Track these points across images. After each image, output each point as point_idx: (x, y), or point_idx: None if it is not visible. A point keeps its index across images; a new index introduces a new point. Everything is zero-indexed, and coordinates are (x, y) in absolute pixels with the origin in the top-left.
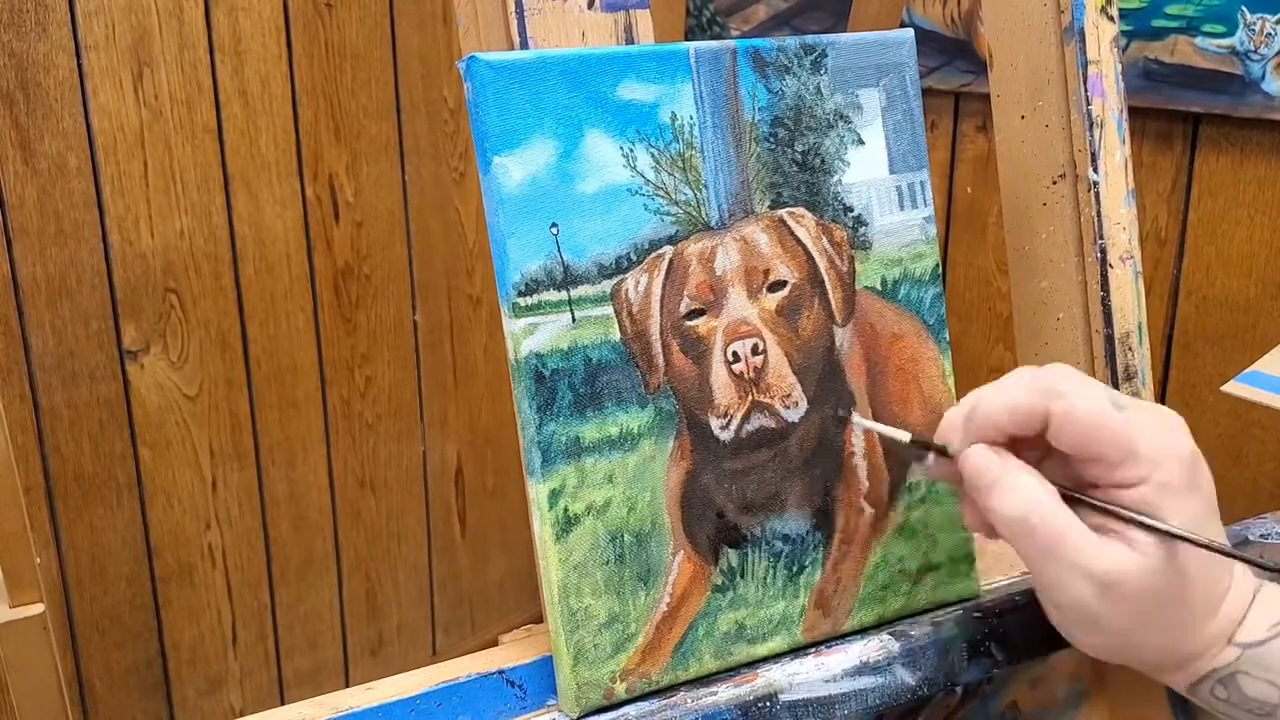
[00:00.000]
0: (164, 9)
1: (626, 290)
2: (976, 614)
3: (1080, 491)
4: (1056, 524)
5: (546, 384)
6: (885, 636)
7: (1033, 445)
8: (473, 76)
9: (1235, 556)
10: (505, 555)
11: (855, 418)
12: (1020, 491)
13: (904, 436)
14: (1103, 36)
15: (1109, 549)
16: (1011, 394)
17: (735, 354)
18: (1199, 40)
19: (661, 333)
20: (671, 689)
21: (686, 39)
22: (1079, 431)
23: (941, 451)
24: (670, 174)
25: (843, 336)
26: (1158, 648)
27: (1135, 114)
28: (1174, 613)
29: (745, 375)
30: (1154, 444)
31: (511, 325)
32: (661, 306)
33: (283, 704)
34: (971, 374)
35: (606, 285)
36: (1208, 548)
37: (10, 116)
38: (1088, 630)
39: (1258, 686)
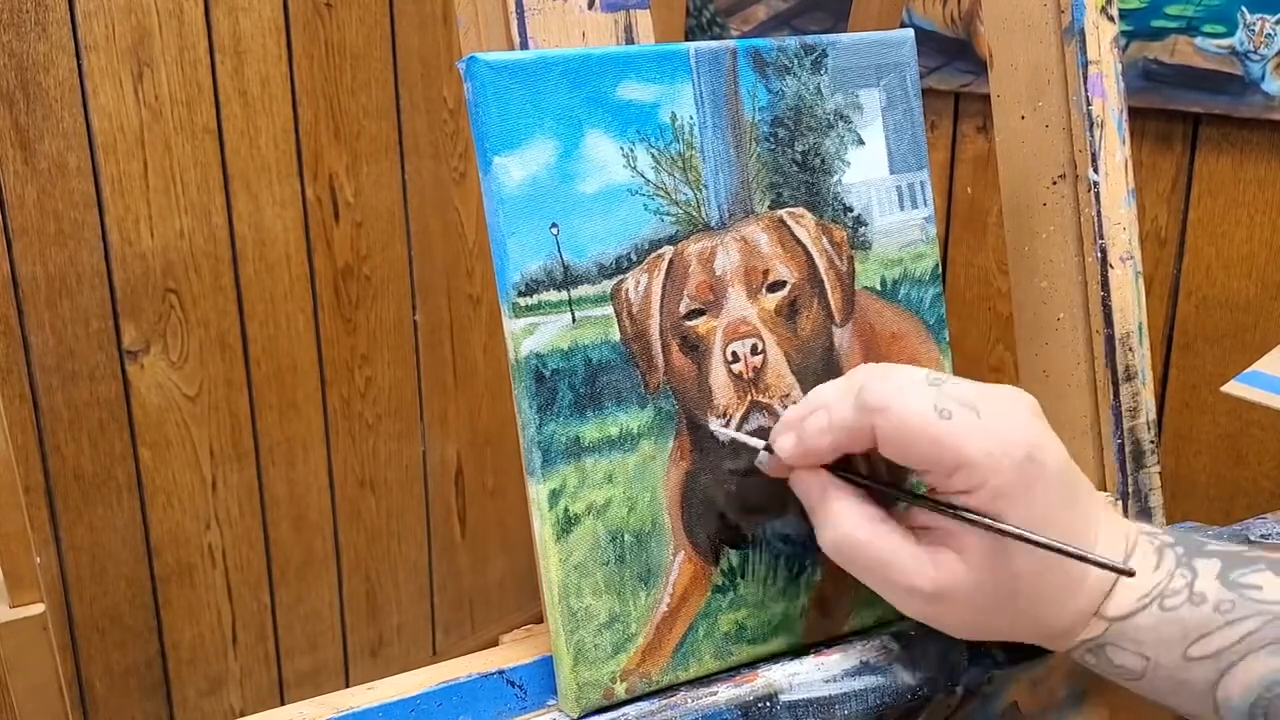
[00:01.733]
0: (164, 9)
1: (626, 290)
2: None
3: (916, 495)
4: (874, 552)
5: (546, 384)
6: (885, 637)
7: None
8: (473, 76)
9: (1064, 552)
10: (505, 555)
11: (714, 426)
12: (838, 521)
13: (758, 444)
14: (1103, 36)
15: (935, 562)
16: (839, 414)
17: (734, 354)
18: (1199, 40)
19: (661, 333)
20: (672, 689)
21: (686, 39)
22: (904, 445)
23: (770, 450)
24: (670, 174)
25: (842, 336)
26: (1020, 628)
27: (1135, 114)
28: (1020, 604)
29: (744, 375)
30: (983, 449)
31: (511, 325)
32: (661, 306)
33: (283, 704)
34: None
35: (606, 285)
36: (1038, 544)
37: (10, 116)
38: (943, 623)
39: (1124, 656)
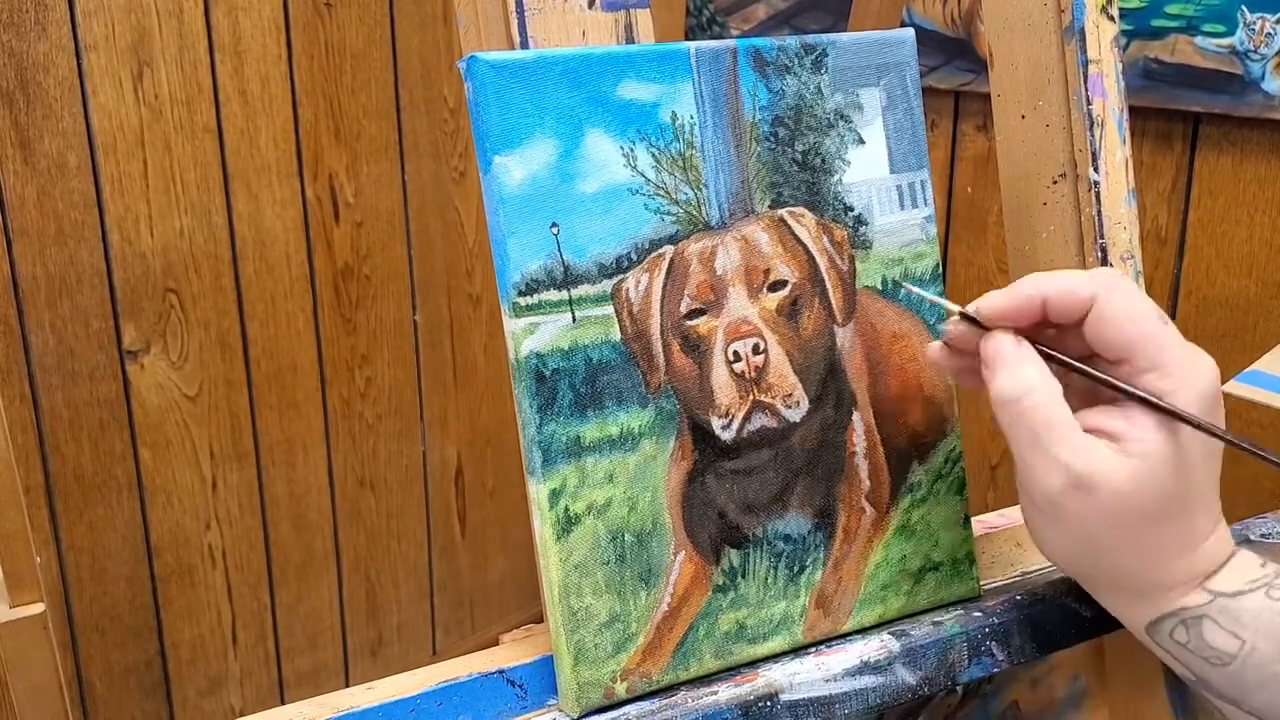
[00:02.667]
0: (164, 9)
1: (627, 290)
2: (977, 614)
3: (1105, 378)
4: (1046, 412)
5: (547, 384)
6: (886, 636)
7: (1065, 341)
8: (473, 76)
9: (1244, 448)
10: (505, 555)
11: (907, 284)
12: (1022, 374)
13: (953, 307)
14: (1103, 36)
15: (1095, 448)
16: (1064, 273)
17: (736, 353)
18: (1199, 40)
19: (662, 332)
20: (672, 689)
21: (687, 39)
22: (1120, 327)
23: (972, 320)
24: (671, 173)
25: (843, 336)
26: (1124, 566)
27: (1135, 114)
28: (1153, 534)
29: (746, 375)
30: (1184, 366)
31: (512, 325)
32: (662, 306)
33: (283, 704)
34: None
35: (607, 285)
36: (1221, 437)
37: (10, 116)
38: (1054, 528)
39: (1221, 636)
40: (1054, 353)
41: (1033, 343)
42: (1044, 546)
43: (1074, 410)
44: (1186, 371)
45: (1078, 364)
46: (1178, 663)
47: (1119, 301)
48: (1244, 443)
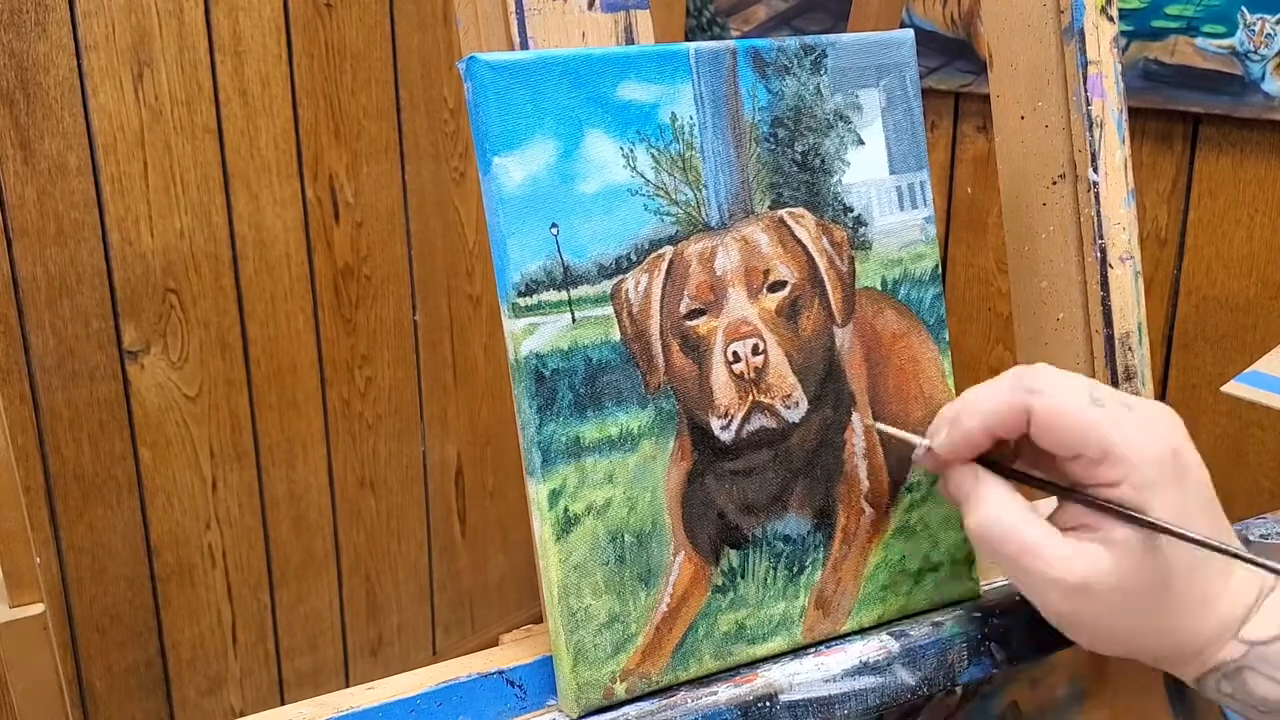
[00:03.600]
0: (164, 9)
1: (627, 290)
2: (976, 614)
3: (1066, 487)
4: (1022, 536)
5: (547, 384)
6: (885, 636)
7: (1029, 443)
8: (473, 76)
9: (1215, 549)
10: (505, 555)
11: (877, 425)
12: (988, 508)
13: (918, 440)
14: (1102, 37)
15: (1080, 554)
16: (995, 393)
17: (735, 354)
18: (1199, 41)
19: (662, 333)
20: (671, 689)
21: (686, 39)
22: (1056, 429)
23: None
24: (670, 174)
25: (843, 336)
26: (1153, 642)
27: (1135, 114)
28: (1162, 607)
29: (746, 375)
30: (1131, 443)
31: (511, 325)
32: (662, 307)
33: (283, 704)
34: (971, 374)
35: (606, 285)
36: (1187, 539)
37: (10, 116)
38: (1075, 630)
39: (1265, 685)
40: (1015, 470)
41: (997, 460)
42: (1081, 644)
43: (1057, 509)
44: (1136, 448)
45: (1036, 476)
46: (1238, 713)
47: (1049, 402)
48: (1205, 540)
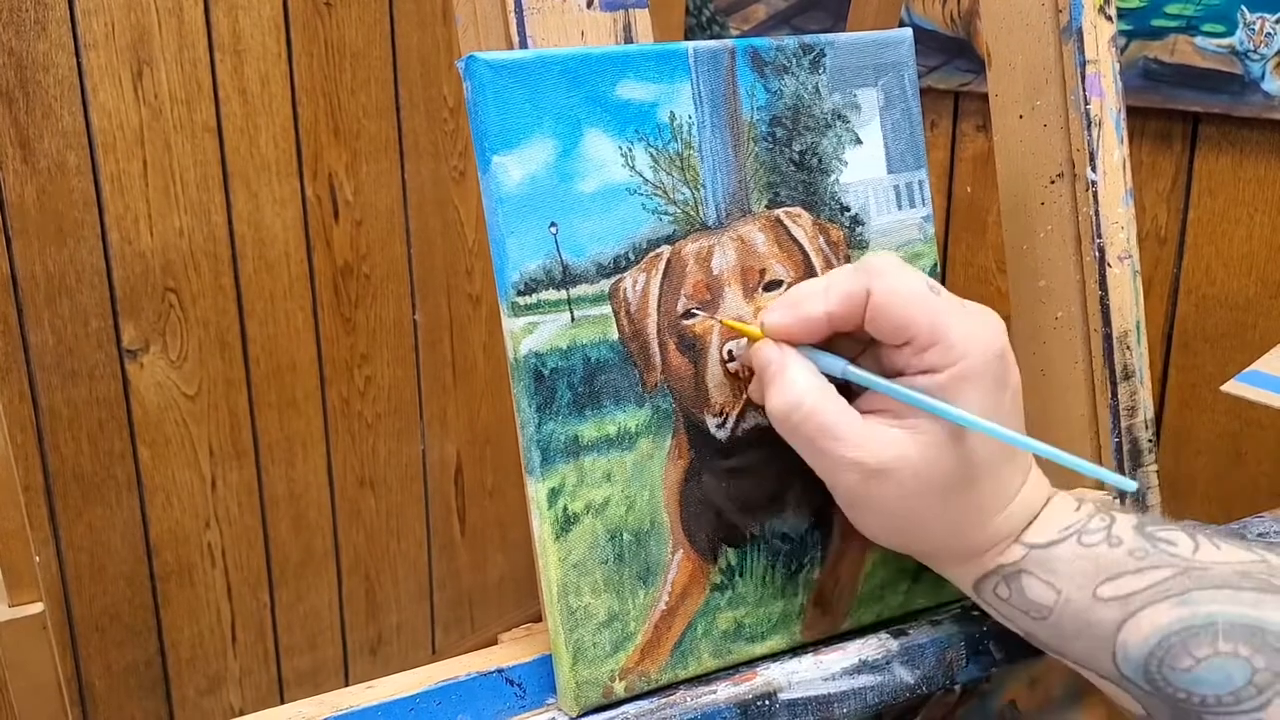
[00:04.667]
0: (163, 7)
1: (624, 290)
2: (975, 612)
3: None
4: (823, 418)
5: (545, 383)
6: (884, 635)
7: (851, 339)
8: (472, 76)
9: (1025, 446)
10: (505, 554)
11: (717, 317)
12: (791, 386)
13: (753, 329)
14: (1101, 36)
15: (881, 437)
16: (837, 280)
17: (730, 353)
18: (1199, 40)
19: (659, 332)
20: (670, 687)
21: (686, 38)
22: (893, 311)
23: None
24: (668, 173)
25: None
26: (940, 536)
27: (1135, 113)
28: (957, 501)
29: (741, 374)
30: (964, 333)
31: (511, 324)
32: (659, 306)
33: (282, 703)
34: None
35: (605, 284)
36: (995, 433)
37: (10, 115)
38: (864, 513)
39: (1038, 588)
40: (821, 351)
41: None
42: (863, 531)
43: (854, 396)
44: (968, 338)
45: (849, 367)
46: (1005, 619)
47: (890, 285)
48: (1014, 436)
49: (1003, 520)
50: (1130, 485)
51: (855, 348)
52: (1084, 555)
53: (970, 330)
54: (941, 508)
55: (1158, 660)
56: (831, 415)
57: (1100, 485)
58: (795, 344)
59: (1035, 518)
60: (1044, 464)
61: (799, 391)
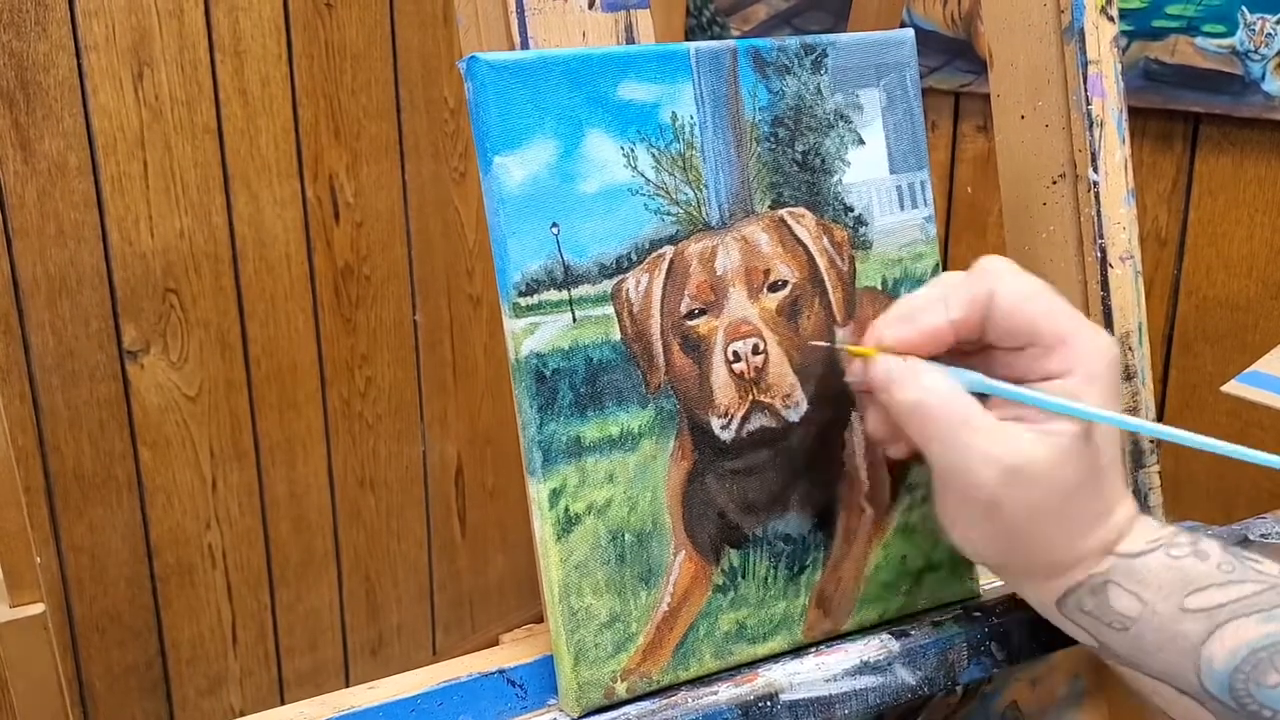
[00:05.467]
0: (164, 9)
1: (627, 290)
2: (977, 613)
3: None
4: (956, 408)
5: (547, 384)
6: (886, 636)
7: (964, 351)
8: (473, 76)
9: (1193, 443)
10: (505, 555)
11: (818, 344)
12: (920, 379)
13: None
14: (1102, 36)
15: (1016, 433)
16: (956, 290)
17: (735, 353)
18: (1199, 40)
19: (662, 332)
20: (672, 688)
21: (687, 39)
22: (1020, 313)
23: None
24: (671, 174)
25: (843, 336)
26: (1045, 547)
27: (1135, 114)
28: (1078, 504)
29: (746, 375)
30: (1085, 336)
31: (512, 325)
32: (662, 306)
33: (283, 704)
34: None
35: (607, 285)
36: (1145, 431)
37: (10, 116)
38: (983, 519)
39: (1125, 599)
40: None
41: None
42: (962, 539)
43: (989, 402)
44: (1091, 341)
45: (983, 378)
46: (1084, 633)
47: (1014, 287)
48: (1158, 430)
49: (1103, 531)
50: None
51: (965, 361)
52: (1171, 566)
53: (1090, 333)
54: (1057, 513)
55: (1244, 676)
56: (969, 407)
57: None
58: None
59: (1125, 533)
60: None
61: (933, 383)
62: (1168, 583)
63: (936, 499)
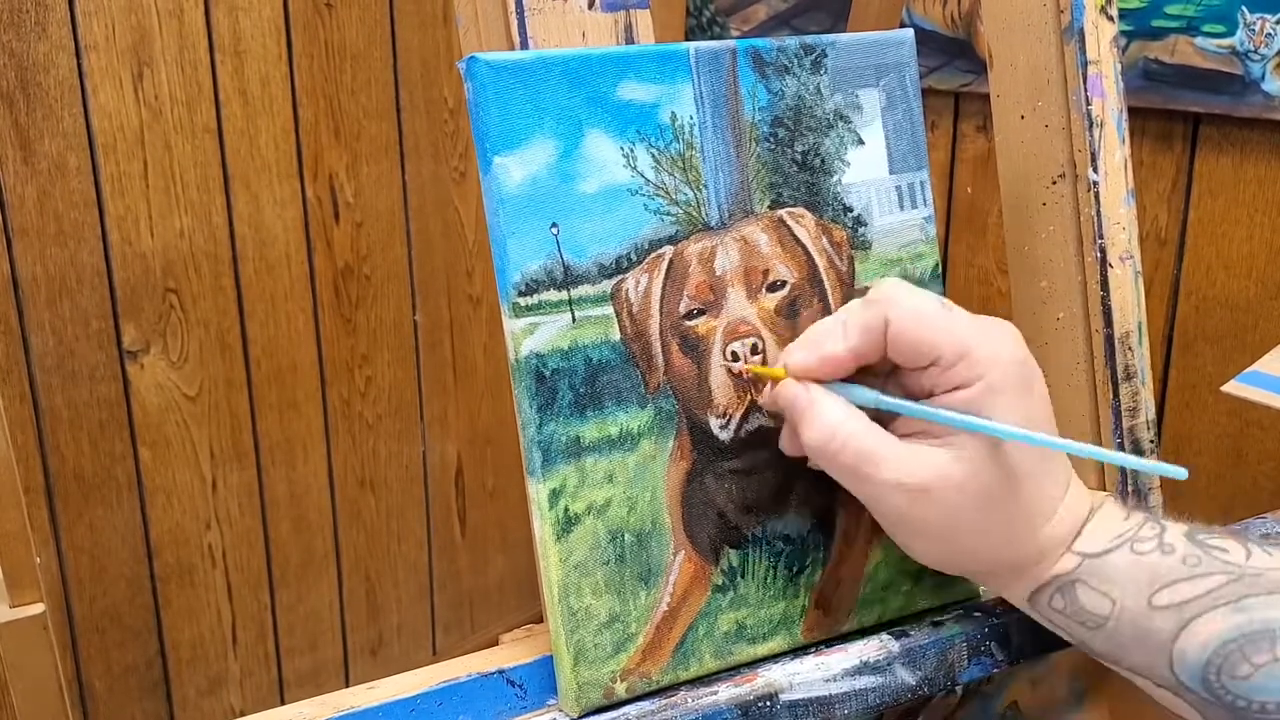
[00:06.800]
0: (164, 9)
1: (626, 290)
2: (976, 613)
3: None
4: (861, 442)
5: (547, 384)
6: (885, 636)
7: (873, 371)
8: (473, 76)
9: (1065, 447)
10: (505, 555)
11: (730, 366)
12: (824, 418)
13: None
14: (1102, 36)
15: (920, 457)
16: (853, 317)
17: (734, 354)
18: (1199, 40)
19: (661, 332)
20: (672, 689)
21: (686, 39)
22: (913, 334)
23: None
24: (670, 174)
25: None
26: (991, 551)
27: (1135, 114)
28: (1003, 512)
29: (744, 375)
30: (985, 346)
31: (512, 325)
32: (661, 306)
33: (283, 704)
34: None
35: (607, 285)
36: (1036, 441)
37: (10, 116)
38: (915, 537)
39: (1094, 598)
40: (850, 384)
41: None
42: (914, 555)
43: (889, 424)
44: (991, 350)
45: (881, 397)
46: (1062, 631)
47: (905, 310)
48: (1054, 440)
49: (1052, 529)
50: (1182, 473)
51: (877, 379)
52: (1138, 563)
53: (991, 342)
54: (988, 522)
55: (1215, 668)
56: (870, 441)
57: (1103, 486)
58: (821, 382)
59: (1084, 525)
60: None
61: (833, 422)
62: (1135, 580)
63: (884, 529)
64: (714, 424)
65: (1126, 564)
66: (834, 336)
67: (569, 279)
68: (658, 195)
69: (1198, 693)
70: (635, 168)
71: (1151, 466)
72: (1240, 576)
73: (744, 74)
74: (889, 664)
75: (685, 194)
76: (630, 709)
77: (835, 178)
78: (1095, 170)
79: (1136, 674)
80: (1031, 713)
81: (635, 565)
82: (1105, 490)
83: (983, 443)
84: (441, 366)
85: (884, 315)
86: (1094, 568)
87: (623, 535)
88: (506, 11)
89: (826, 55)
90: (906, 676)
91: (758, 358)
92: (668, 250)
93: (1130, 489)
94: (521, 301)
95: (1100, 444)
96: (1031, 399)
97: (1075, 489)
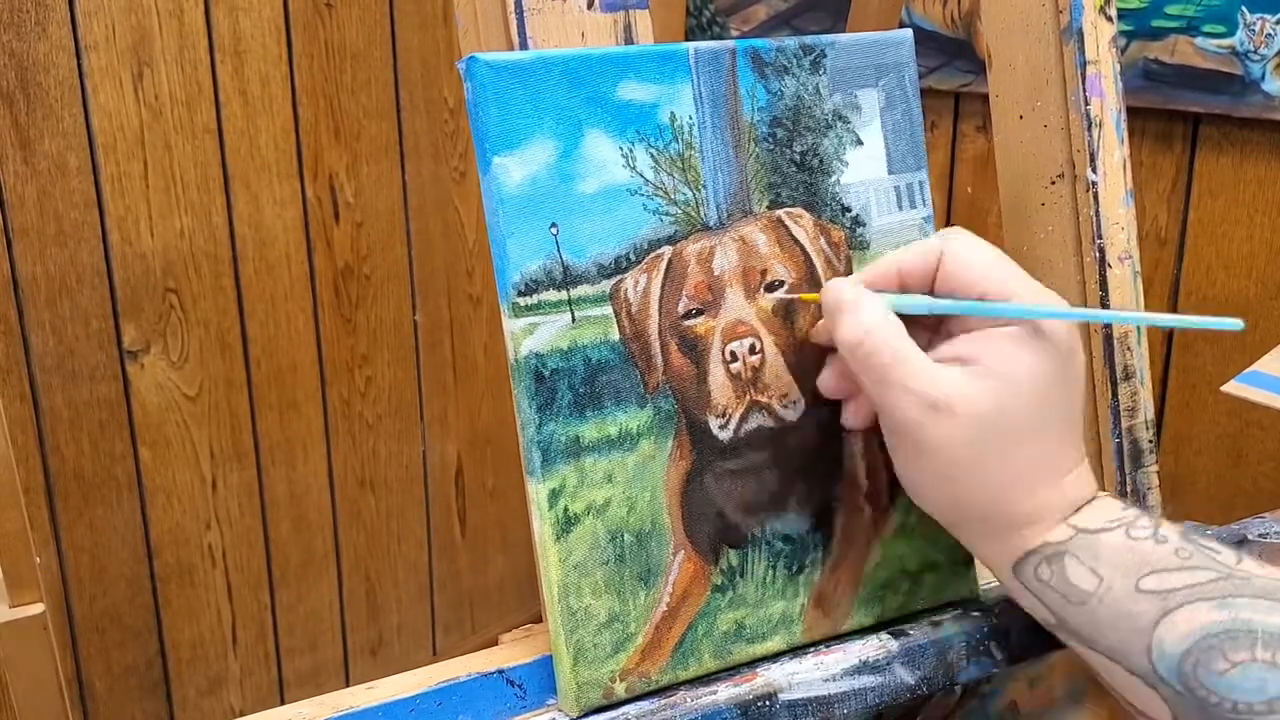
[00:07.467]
0: (164, 9)
1: (625, 290)
2: (976, 613)
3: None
4: (892, 347)
5: (546, 384)
6: (884, 636)
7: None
8: (472, 76)
9: (1112, 319)
10: (505, 555)
11: (778, 296)
12: (863, 314)
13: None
14: (1101, 36)
15: (950, 376)
16: (915, 244)
17: (733, 354)
18: (1199, 40)
19: (660, 333)
20: (671, 688)
21: (686, 39)
22: (966, 264)
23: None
24: (669, 174)
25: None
26: (990, 494)
27: (1135, 114)
28: (1014, 456)
29: (743, 375)
30: (1036, 293)
31: (511, 325)
32: (660, 306)
33: (283, 704)
34: None
35: (606, 285)
36: (1080, 317)
37: (10, 116)
38: (918, 462)
39: (1081, 573)
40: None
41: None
42: (913, 488)
43: (926, 347)
44: (1040, 299)
45: (934, 301)
46: (1039, 603)
47: (964, 243)
48: (1102, 314)
49: (1051, 494)
50: (1238, 324)
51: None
52: (1130, 547)
53: (1045, 295)
54: (996, 460)
55: (1193, 660)
56: (905, 347)
57: (1102, 486)
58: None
59: (1084, 506)
60: None
61: (871, 321)
62: (1125, 562)
63: (890, 452)
64: (713, 424)
65: (1119, 545)
66: (887, 256)
67: (568, 279)
68: (657, 195)
69: (1171, 684)
70: (634, 168)
71: (1205, 322)
72: (1229, 576)
73: (743, 74)
74: (888, 664)
75: (684, 194)
76: (630, 709)
77: (834, 178)
78: (1094, 170)
79: (1108, 657)
80: (1030, 712)
81: (634, 565)
82: (1105, 490)
83: (1011, 382)
84: (441, 366)
85: (941, 243)
86: (1086, 542)
87: (622, 535)
88: (506, 11)
89: (826, 55)
90: (905, 676)
91: (756, 358)
92: (666, 250)
93: (1128, 489)
94: (521, 301)
95: (1099, 444)
96: (1071, 361)
97: (1083, 471)
